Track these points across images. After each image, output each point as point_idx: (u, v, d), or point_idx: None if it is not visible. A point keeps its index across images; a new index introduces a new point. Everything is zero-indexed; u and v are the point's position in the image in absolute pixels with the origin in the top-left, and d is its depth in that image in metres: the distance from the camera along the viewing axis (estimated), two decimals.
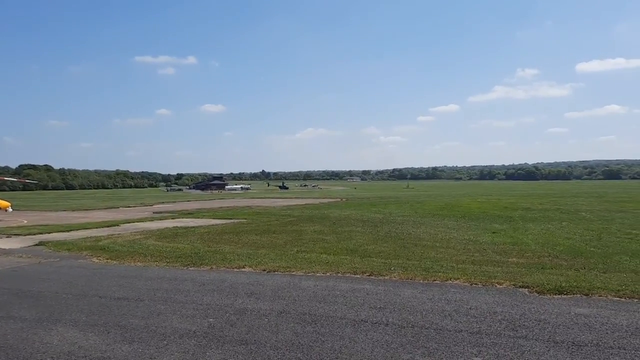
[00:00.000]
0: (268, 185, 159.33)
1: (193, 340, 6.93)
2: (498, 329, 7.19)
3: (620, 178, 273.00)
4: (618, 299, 9.00)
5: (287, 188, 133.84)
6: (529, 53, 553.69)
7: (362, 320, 7.76)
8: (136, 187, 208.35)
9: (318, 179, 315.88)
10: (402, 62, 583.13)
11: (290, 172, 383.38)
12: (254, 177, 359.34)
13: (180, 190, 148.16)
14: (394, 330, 7.21)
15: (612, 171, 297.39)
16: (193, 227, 25.00)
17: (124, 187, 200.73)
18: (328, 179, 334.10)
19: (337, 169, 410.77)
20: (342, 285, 10.40)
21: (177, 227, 25.05)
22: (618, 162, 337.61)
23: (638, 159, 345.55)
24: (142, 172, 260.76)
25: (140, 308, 8.82)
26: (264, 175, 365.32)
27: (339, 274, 11.77)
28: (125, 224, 26.96)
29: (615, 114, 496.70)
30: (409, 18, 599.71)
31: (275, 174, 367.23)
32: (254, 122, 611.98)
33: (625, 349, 6.24)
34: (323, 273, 11.94)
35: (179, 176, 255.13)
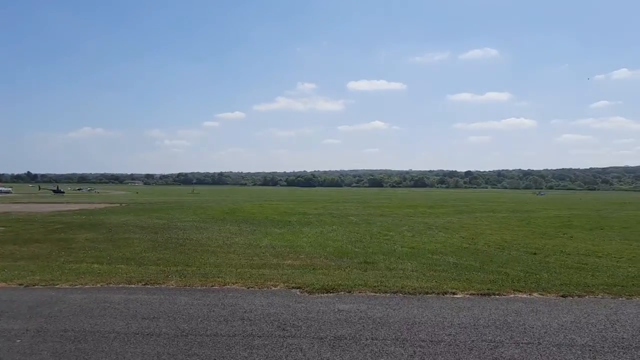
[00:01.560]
0: (39, 188, 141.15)
1: None
2: (270, 330, 7.45)
3: (382, 186, 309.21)
4: (374, 294, 10.09)
5: (63, 192, 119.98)
6: (308, 69, 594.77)
7: (133, 332, 7.32)
8: None
9: (95, 182, 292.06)
10: (189, 67, 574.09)
11: (62, 175, 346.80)
12: (16, 178, 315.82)
13: None
14: (166, 341, 6.95)
15: (375, 180, 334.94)
16: None
17: None
18: (107, 183, 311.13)
19: (118, 172, 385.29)
20: (114, 297, 9.70)
21: None
22: (381, 172, 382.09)
23: (396, 169, 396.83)
24: None
25: None
26: (30, 177, 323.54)
27: (111, 285, 10.96)
28: None
29: (378, 129, 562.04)
30: (198, 24, 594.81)
31: (43, 175, 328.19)
32: (14, 116, 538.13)
33: (377, 339, 7.00)
34: (93, 285, 10.98)
35: None
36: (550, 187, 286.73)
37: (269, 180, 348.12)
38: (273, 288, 10.59)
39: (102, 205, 51.80)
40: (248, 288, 10.62)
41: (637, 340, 7.02)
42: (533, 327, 7.58)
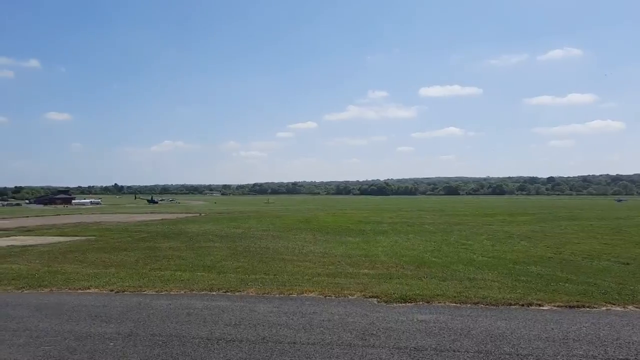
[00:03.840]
0: (135, 198, 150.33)
1: None
2: (348, 338, 7.45)
3: (458, 193, 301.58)
4: (455, 304, 9.84)
5: (156, 202, 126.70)
6: (379, 76, 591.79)
7: (216, 338, 7.56)
8: None
9: (176, 193, 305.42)
10: (262, 80, 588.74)
11: (145, 186, 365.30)
12: (105, 190, 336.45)
13: (18, 205, 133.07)
14: (248, 347, 7.12)
15: (451, 187, 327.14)
16: (32, 245, 22.63)
17: None
18: (187, 194, 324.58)
19: (196, 183, 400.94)
20: (197, 303, 10.07)
21: (12, 245, 22.51)
22: (456, 179, 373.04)
23: (473, 176, 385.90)
24: None
25: None
26: (117, 189, 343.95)
27: (194, 292, 11.40)
28: None
29: (453, 135, 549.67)
30: (270, 37, 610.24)
31: (129, 187, 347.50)
32: (104, 133, 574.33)
33: (459, 351, 6.81)
34: (177, 291, 11.47)
35: (17, 189, 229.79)
36: None
37: (342, 189, 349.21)
38: (350, 297, 10.59)
39: (183, 215, 54.09)
40: (325, 297, 10.68)
41: None
42: (629, 342, 7.09)
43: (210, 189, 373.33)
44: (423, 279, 12.91)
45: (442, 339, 7.36)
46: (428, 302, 9.99)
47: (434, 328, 7.95)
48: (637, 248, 20.38)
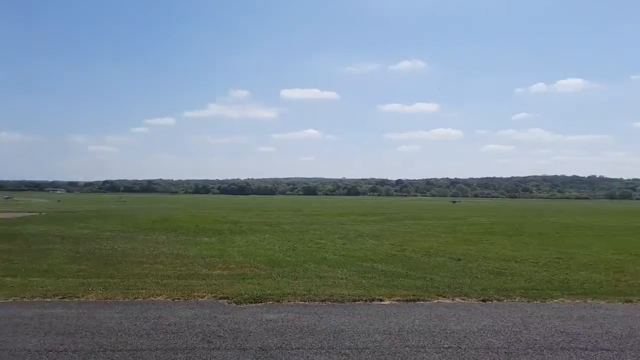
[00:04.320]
0: None
1: None
2: (194, 342, 7.27)
3: (316, 194, 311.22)
4: (303, 302, 10.10)
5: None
6: (241, 76, 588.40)
7: (45, 349, 6.91)
8: None
9: (13, 190, 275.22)
10: (113, 69, 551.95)
11: None
12: None
13: None
14: (82, 357, 6.62)
15: (309, 187, 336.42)
16: None
17: None
18: (26, 190, 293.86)
19: (38, 179, 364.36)
20: (27, 312, 9.13)
21: None
22: (315, 180, 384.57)
23: (330, 177, 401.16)
24: None
25: None
26: None
27: (25, 299, 10.33)
28: None
29: (312, 137, 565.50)
30: (125, 22, 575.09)
31: None
32: None
33: (303, 349, 6.99)
34: (5, 299, 10.31)
35: None
36: (476, 196, 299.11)
37: (201, 188, 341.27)
38: (200, 299, 10.36)
39: (20, 215, 48.88)
40: (173, 300, 10.33)
41: (549, 341, 7.41)
42: (454, 332, 7.84)
43: (54, 185, 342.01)
44: (275, 278, 13.07)
45: (287, 337, 7.50)
46: (278, 302, 10.13)
47: (281, 327, 8.07)
48: (468, 245, 22.65)
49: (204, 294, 10.75)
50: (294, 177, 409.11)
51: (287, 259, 17.24)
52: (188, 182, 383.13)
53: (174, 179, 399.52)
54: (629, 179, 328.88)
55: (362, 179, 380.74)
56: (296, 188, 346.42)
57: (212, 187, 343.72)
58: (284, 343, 7.20)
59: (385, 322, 8.40)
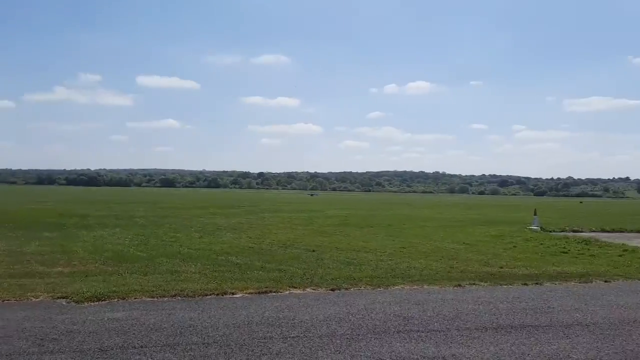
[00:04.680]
0: None
1: None
2: (24, 346, 6.63)
3: (175, 186, 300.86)
4: (152, 299, 9.73)
5: None
6: (92, 58, 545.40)
7: None
8: None
9: None
10: None
11: None
12: None
13: None
14: None
15: (168, 179, 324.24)
16: None
17: None
18: None
19: None
20: None
21: None
22: (173, 172, 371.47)
23: (190, 169, 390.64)
24: None
25: None
26: None
27: None
28: None
29: (171, 127, 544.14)
30: None
31: None
32: None
33: (147, 347, 6.72)
34: None
35: None
36: (334, 189, 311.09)
37: (45, 178, 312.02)
38: (34, 299, 9.49)
39: None
40: (3, 301, 9.35)
41: (387, 325, 7.97)
42: (302, 321, 8.08)
43: None
44: (123, 274, 12.41)
45: (131, 336, 7.17)
46: (124, 299, 9.64)
47: (125, 326, 7.69)
48: (323, 237, 23.48)
49: (40, 294, 9.87)
50: (151, 168, 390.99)
51: (138, 254, 16.47)
52: (29, 172, 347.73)
53: (13, 168, 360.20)
54: (466, 175, 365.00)
55: (224, 172, 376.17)
56: (153, 180, 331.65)
57: (59, 178, 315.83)
58: (126, 342, 6.87)
59: (235, 315, 8.40)
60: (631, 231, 30.59)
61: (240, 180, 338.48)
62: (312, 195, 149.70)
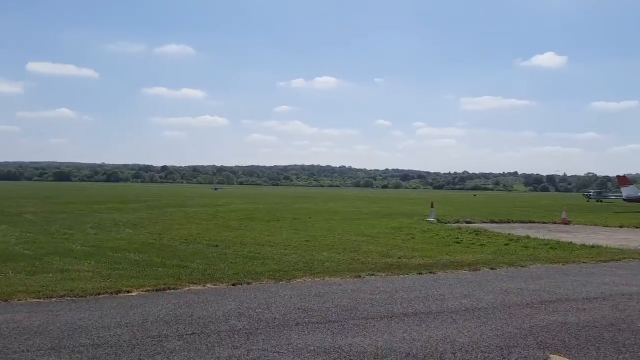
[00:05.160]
0: None
1: None
2: None
3: (70, 180, 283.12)
4: (37, 300, 9.10)
5: None
6: None
7: None
8: None
9: None
10: None
11: None
12: None
13: None
14: None
15: (63, 173, 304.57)
16: None
17: None
18: None
19: None
20: None
21: None
22: (69, 165, 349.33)
23: (87, 162, 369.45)
24: None
25: None
26: None
27: None
28: None
29: (66, 118, 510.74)
30: None
31: None
32: None
33: (29, 351, 6.27)
34: None
35: None
36: (241, 183, 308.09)
37: None
38: None
39: None
40: None
41: (286, 318, 8.02)
42: (199, 318, 7.92)
43: None
44: (7, 275, 11.49)
45: (11, 340, 6.65)
46: (6, 301, 8.94)
47: (6, 330, 7.13)
48: (226, 231, 23.18)
49: None
50: (43, 161, 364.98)
51: (25, 252, 15.33)
52: None
53: None
54: (371, 169, 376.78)
55: (124, 165, 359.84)
56: (46, 173, 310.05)
57: None
58: (5, 347, 6.36)
59: (130, 314, 8.07)
60: (516, 221, 33.19)
61: (142, 173, 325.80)
62: (216, 189, 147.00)
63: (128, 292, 9.86)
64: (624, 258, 16.06)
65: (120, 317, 7.90)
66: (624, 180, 61.30)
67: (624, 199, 59.71)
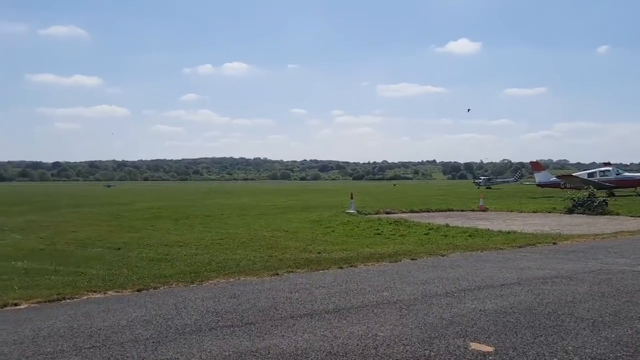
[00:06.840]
0: None
1: None
2: None
3: None
4: None
5: None
6: None
7: None
8: None
9: None
10: None
11: None
12: None
13: None
14: None
15: None
16: None
17: None
18: None
19: None
20: None
21: None
22: None
23: None
24: None
25: None
26: None
27: None
28: None
29: None
30: None
31: None
32: None
33: None
34: None
35: None
36: (146, 179, 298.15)
37: None
38: None
39: None
40: None
41: (199, 323, 7.85)
42: (100, 329, 7.56)
43: None
44: None
45: None
46: None
47: None
48: (131, 232, 22.38)
49: None
50: None
51: None
52: None
53: None
54: (288, 161, 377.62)
55: (9, 162, 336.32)
56: None
57: None
58: None
59: (18, 330, 7.55)
60: (436, 210, 34.60)
61: (30, 171, 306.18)
62: (109, 186, 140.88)
63: (16, 305, 9.24)
64: (538, 243, 17.20)
65: (6, 334, 7.37)
66: (537, 166, 65.57)
67: (537, 185, 63.96)
